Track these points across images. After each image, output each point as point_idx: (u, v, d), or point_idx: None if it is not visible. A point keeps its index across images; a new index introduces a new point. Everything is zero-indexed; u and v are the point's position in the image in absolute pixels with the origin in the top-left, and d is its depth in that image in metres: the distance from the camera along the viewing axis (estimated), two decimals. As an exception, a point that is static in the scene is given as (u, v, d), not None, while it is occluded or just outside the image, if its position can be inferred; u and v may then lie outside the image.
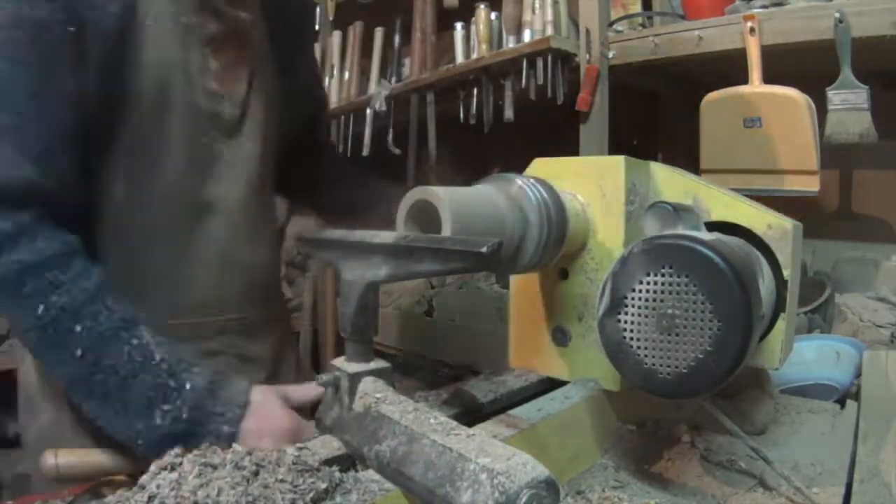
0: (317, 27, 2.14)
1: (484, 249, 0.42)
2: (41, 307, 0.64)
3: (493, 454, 0.36)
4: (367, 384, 0.49)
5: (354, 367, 0.50)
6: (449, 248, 0.44)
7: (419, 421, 0.43)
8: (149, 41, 0.71)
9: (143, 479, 0.41)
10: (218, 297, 0.83)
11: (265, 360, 0.91)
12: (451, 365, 1.62)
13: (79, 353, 0.64)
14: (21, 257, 0.64)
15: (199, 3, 0.76)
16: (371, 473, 0.46)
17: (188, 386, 0.66)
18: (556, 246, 0.59)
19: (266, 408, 0.68)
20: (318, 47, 2.07)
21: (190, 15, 0.75)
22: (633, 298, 0.51)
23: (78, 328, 0.64)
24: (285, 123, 0.93)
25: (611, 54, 1.32)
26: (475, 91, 1.54)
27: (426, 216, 0.50)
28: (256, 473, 0.41)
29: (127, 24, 0.69)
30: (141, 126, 0.73)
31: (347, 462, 0.49)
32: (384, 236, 0.48)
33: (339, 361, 0.52)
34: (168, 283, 0.79)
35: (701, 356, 0.48)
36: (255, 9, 0.84)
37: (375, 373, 0.50)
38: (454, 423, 0.42)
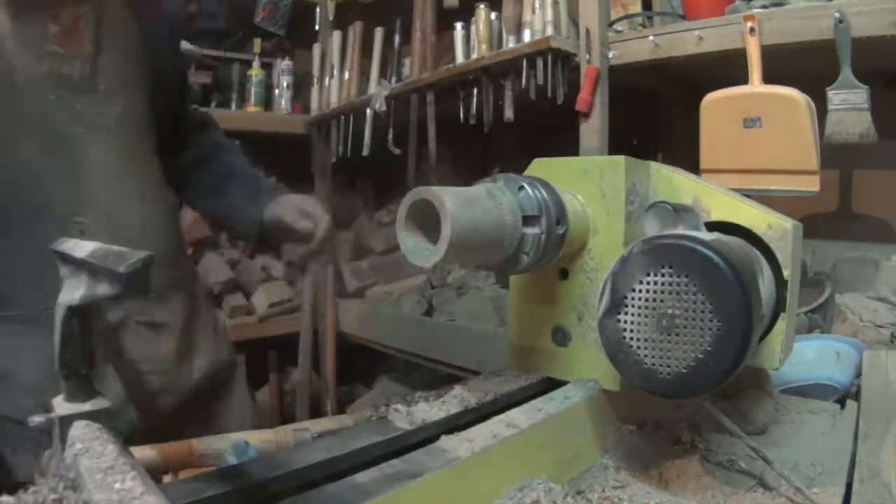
0: (317, 27, 2.15)
1: (122, 269, 0.35)
2: None
3: None
4: (77, 429, 0.42)
5: (66, 408, 0.43)
6: (98, 265, 0.38)
7: (104, 485, 0.36)
8: None
9: None
10: None
11: (175, 327, 0.93)
12: (450, 365, 1.62)
13: None
14: None
15: None
16: (376, 473, 0.46)
17: None
18: (556, 246, 0.59)
19: None
20: (317, 47, 2.08)
21: None
22: (633, 298, 0.51)
23: None
24: (157, 102, 0.94)
25: (611, 54, 1.32)
26: (475, 91, 1.54)
27: (426, 216, 0.50)
28: None
29: None
30: None
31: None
32: (83, 248, 0.42)
33: (58, 400, 0.45)
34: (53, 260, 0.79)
35: (701, 356, 0.48)
36: None
37: (91, 415, 0.44)
38: (139, 491, 0.36)
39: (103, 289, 0.39)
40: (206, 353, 0.98)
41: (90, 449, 0.40)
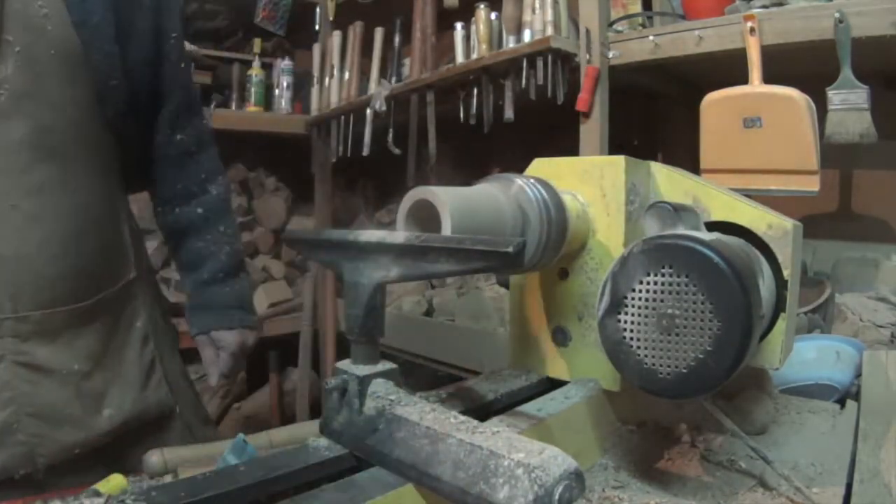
0: (317, 27, 2.15)
1: (510, 249, 0.41)
2: None
3: (524, 449, 0.37)
4: (377, 386, 0.49)
5: (363, 370, 0.50)
6: (470, 248, 0.43)
7: (440, 421, 0.43)
8: None
9: None
10: None
11: (69, 371, 0.80)
12: (450, 365, 1.62)
13: None
14: None
15: None
16: (376, 472, 0.46)
17: None
18: (556, 246, 0.59)
19: None
20: (317, 47, 2.08)
21: None
22: (633, 298, 0.51)
23: None
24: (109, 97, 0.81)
25: (611, 54, 1.32)
26: (475, 91, 1.54)
27: (426, 216, 0.50)
28: None
29: None
30: None
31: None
32: (393, 236, 0.48)
33: (346, 364, 0.51)
34: None
35: (701, 356, 0.48)
36: None
37: (384, 374, 0.50)
38: (475, 422, 0.42)
39: (441, 266, 0.45)
40: (122, 405, 0.85)
41: (400, 399, 0.47)
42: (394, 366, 0.51)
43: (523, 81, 1.38)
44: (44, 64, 0.73)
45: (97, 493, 0.54)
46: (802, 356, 0.92)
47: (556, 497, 0.34)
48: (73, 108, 0.78)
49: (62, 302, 0.79)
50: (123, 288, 0.90)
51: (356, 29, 1.93)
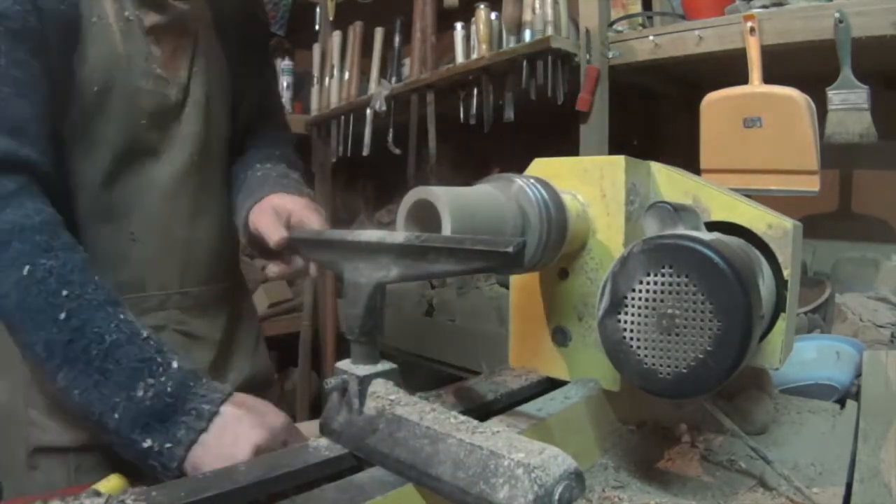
0: (317, 27, 2.15)
1: (510, 249, 0.41)
2: (27, 267, 0.64)
3: (524, 449, 0.37)
4: (377, 386, 0.49)
5: (363, 370, 0.50)
6: (470, 248, 0.43)
7: (440, 421, 0.43)
8: (94, 36, 0.76)
9: None
10: (157, 272, 0.85)
11: (213, 340, 0.92)
12: (451, 365, 1.62)
13: (63, 316, 0.64)
14: (9, 218, 0.65)
15: None
16: (376, 472, 0.46)
17: (175, 364, 0.66)
18: (556, 246, 0.59)
19: (253, 401, 0.68)
20: (317, 47, 2.08)
21: (132, 9, 0.80)
22: (633, 298, 0.51)
23: (65, 293, 0.65)
24: (237, 114, 0.98)
25: (611, 54, 1.32)
26: (475, 91, 1.54)
27: (426, 216, 0.50)
28: None
29: (73, 20, 0.74)
30: (84, 113, 0.76)
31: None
32: (393, 236, 0.48)
33: (346, 364, 0.51)
34: (105, 261, 0.79)
35: (701, 356, 0.48)
36: (196, 2, 0.88)
37: (384, 374, 0.50)
38: (475, 422, 0.42)
39: (441, 266, 0.45)
40: (242, 369, 0.97)
41: (400, 399, 0.48)
42: (394, 366, 0.51)
43: (523, 81, 1.38)
44: (214, 85, 0.92)
45: (97, 493, 0.53)
46: (802, 356, 0.93)
47: (556, 497, 0.34)
48: (226, 122, 0.94)
49: (213, 281, 0.93)
50: (239, 274, 1.07)
51: (356, 29, 1.93)
